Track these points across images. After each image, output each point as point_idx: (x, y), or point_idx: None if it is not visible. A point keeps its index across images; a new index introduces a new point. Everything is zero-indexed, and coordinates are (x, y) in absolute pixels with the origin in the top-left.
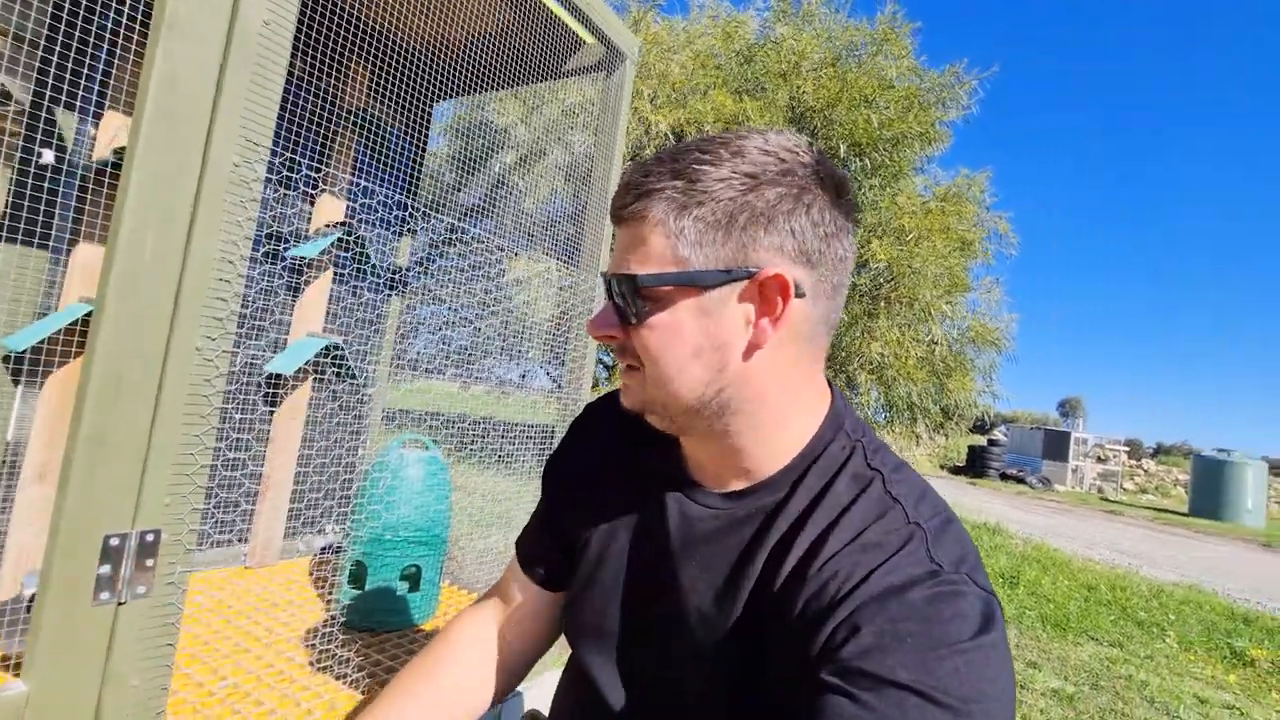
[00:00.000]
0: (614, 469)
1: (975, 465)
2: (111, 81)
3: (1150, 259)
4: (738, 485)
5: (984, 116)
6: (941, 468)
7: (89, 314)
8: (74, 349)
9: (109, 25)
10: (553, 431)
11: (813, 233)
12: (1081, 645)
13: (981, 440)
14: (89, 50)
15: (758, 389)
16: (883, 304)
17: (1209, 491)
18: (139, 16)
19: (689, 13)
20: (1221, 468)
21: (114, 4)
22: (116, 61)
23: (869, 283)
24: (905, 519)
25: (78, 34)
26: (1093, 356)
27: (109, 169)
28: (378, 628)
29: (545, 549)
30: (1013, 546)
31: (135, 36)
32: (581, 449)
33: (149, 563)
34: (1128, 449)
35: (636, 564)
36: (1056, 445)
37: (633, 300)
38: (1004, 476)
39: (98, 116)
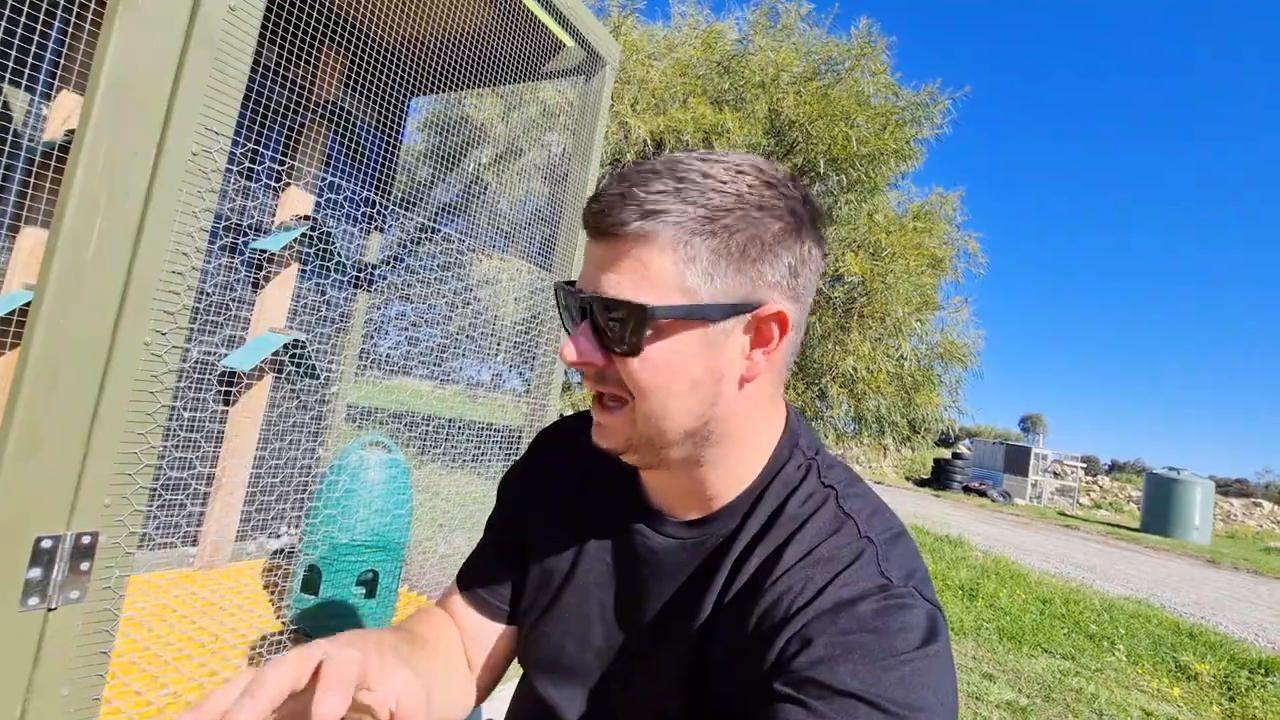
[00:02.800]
0: (572, 500)
1: (940, 478)
2: (65, 59)
3: (1108, 282)
4: (699, 513)
5: (955, 136)
6: (907, 479)
7: (29, 302)
8: (10, 339)
9: (62, 3)
10: (519, 435)
11: (802, 269)
12: (1036, 658)
13: (946, 453)
14: (39, 24)
15: (740, 419)
16: (855, 318)
17: (1159, 508)
18: None
19: (669, 19)
20: (1171, 486)
21: None
22: (70, 39)
23: (843, 296)
24: (857, 533)
25: (26, 5)
26: (1054, 374)
27: (60, 151)
28: (331, 635)
29: (498, 579)
30: (973, 559)
31: (89, 14)
32: (540, 477)
33: (84, 566)
34: (1085, 465)
35: (598, 596)
36: (1018, 460)
37: (632, 329)
38: (967, 489)
39: (47, 94)
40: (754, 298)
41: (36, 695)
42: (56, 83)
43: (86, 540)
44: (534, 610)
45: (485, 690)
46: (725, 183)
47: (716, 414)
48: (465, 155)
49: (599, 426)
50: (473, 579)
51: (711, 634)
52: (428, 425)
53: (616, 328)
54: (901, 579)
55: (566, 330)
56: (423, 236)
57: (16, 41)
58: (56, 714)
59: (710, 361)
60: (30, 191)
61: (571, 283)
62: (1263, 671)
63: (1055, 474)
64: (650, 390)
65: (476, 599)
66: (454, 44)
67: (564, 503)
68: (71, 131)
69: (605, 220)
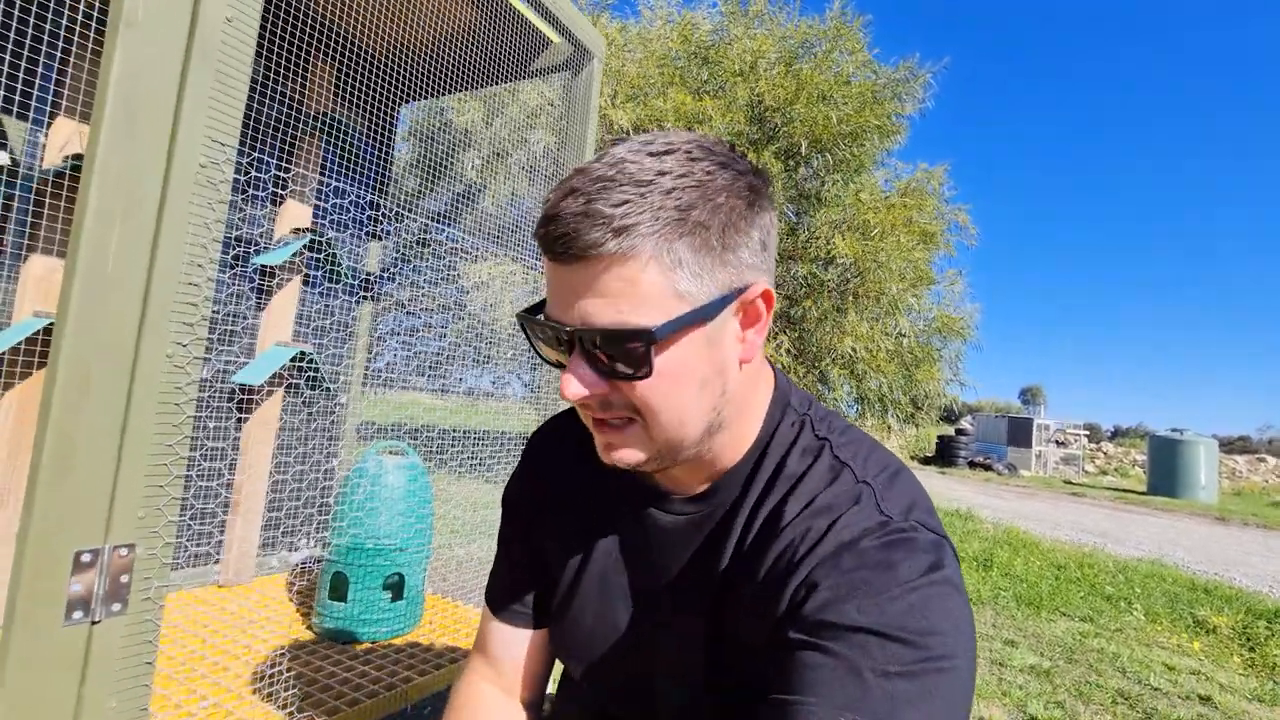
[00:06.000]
0: (577, 494)
1: (945, 455)
2: (66, 87)
3: (1098, 251)
4: (703, 486)
5: (940, 109)
6: (912, 458)
7: (43, 328)
8: (27, 364)
9: (63, 27)
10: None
11: (768, 240)
12: (1055, 622)
13: (950, 430)
14: (41, 54)
15: (742, 398)
16: (851, 299)
17: (1165, 470)
18: (95, 16)
19: (639, 15)
20: (1175, 447)
21: (65, 6)
22: (72, 65)
23: (836, 278)
24: (855, 479)
25: (14, 37)
26: (1050, 345)
27: (65, 176)
28: (362, 639)
29: (525, 588)
30: (984, 531)
31: (90, 39)
32: (541, 478)
33: (124, 579)
34: (1087, 433)
35: (616, 581)
36: (1020, 432)
37: (639, 354)
38: (972, 464)
39: (38, 122)
40: (739, 282)
41: (86, 709)
42: (37, 110)
43: (124, 552)
44: (559, 606)
45: (533, 706)
46: (684, 175)
47: (726, 401)
48: (457, 160)
49: (611, 448)
50: (496, 595)
51: (727, 597)
52: (435, 436)
53: (620, 356)
54: (901, 513)
55: (547, 361)
56: (425, 237)
57: (6, 70)
58: None
59: (714, 357)
60: (33, 218)
61: (537, 309)
62: None
63: (1059, 443)
64: (664, 407)
65: (504, 612)
66: (441, 48)
67: (568, 498)
68: (69, 157)
69: (575, 244)
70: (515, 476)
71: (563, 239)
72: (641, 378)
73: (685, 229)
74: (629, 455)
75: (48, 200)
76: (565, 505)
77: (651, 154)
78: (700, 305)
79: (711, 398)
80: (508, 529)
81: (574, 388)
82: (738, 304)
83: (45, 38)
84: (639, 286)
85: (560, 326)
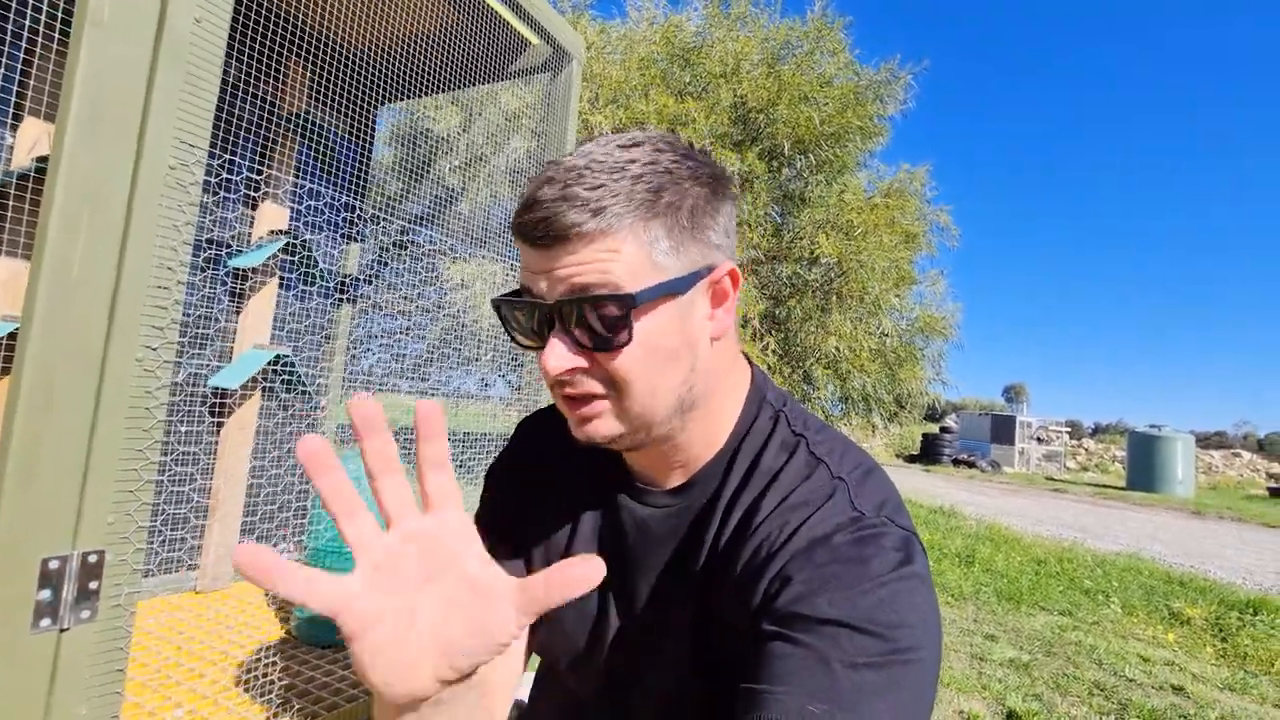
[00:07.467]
0: (557, 483)
1: (929, 453)
2: (30, 88)
3: (1079, 249)
4: (680, 479)
5: (921, 111)
6: (897, 456)
7: (11, 332)
8: None
9: (25, 27)
10: None
11: (729, 224)
12: (1034, 616)
13: (934, 428)
14: (3, 54)
15: (713, 378)
16: (834, 298)
17: (1143, 466)
18: (59, 16)
19: (626, 16)
20: (1154, 443)
21: (29, 6)
22: (36, 66)
23: (820, 278)
24: (830, 475)
25: None
26: (1032, 343)
27: (30, 178)
28: (340, 642)
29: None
30: (967, 527)
31: (55, 39)
32: (523, 464)
33: (93, 585)
34: (1069, 430)
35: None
36: (1004, 430)
37: (619, 321)
38: (956, 462)
39: (3, 122)
40: (708, 261)
41: (55, 716)
42: (4, 111)
43: (93, 559)
44: None
45: (510, 689)
46: (651, 163)
47: (696, 378)
48: (437, 162)
49: (584, 424)
50: None
51: (707, 592)
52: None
53: (601, 324)
54: (874, 510)
55: (521, 344)
56: (403, 239)
57: None
58: None
59: (685, 331)
60: (6, 222)
61: (516, 293)
62: (1251, 611)
63: (1040, 440)
64: (638, 377)
65: None
66: (419, 48)
67: (549, 487)
68: (39, 159)
69: (555, 225)
70: (502, 457)
71: (543, 222)
72: (621, 345)
73: (658, 209)
74: (603, 427)
75: (10, 202)
76: (546, 497)
77: (620, 146)
78: (675, 277)
79: (682, 371)
80: (484, 510)
81: (555, 360)
82: (707, 282)
83: (7, 38)
84: (620, 257)
85: (542, 302)
